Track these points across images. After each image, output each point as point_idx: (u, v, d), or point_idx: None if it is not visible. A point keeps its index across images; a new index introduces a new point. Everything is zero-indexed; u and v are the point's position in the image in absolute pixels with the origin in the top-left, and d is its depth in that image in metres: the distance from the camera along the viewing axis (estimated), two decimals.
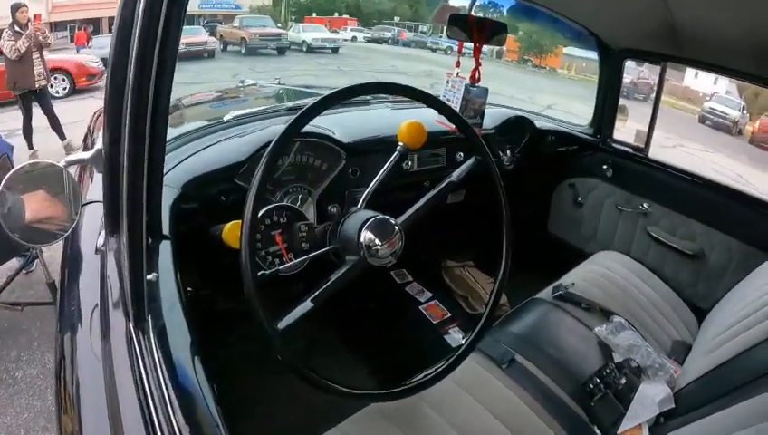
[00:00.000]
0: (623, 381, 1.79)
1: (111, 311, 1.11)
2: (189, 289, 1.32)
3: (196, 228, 1.52)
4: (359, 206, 1.40)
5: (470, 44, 2.28)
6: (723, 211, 2.62)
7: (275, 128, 1.88)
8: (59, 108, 7.06)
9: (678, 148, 11.35)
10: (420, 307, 2.79)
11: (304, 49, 19.02)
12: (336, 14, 25.54)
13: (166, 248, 1.22)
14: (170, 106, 1.03)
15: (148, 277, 1.03)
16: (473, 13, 2.39)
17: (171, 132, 1.76)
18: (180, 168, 1.67)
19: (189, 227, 1.51)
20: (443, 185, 1.48)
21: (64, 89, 11.54)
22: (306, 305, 1.17)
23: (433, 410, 1.55)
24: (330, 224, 1.37)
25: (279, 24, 20.70)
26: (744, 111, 16.39)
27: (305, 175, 1.95)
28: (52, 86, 9.39)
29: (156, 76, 0.91)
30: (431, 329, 2.69)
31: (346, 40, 22.51)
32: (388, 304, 2.82)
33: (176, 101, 2.47)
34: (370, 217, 1.29)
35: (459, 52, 2.34)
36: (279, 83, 3.02)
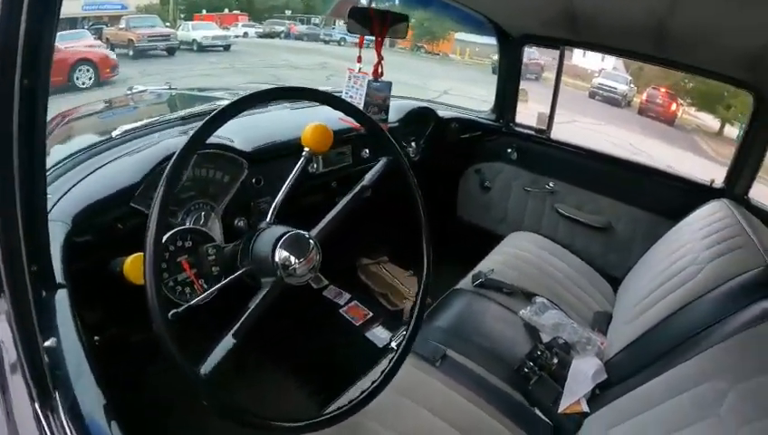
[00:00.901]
0: (555, 360, 1.81)
1: (13, 392, 0.94)
2: (96, 338, 1.20)
3: (95, 264, 1.33)
4: (268, 220, 1.30)
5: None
6: (626, 184, 2.77)
7: (169, 142, 1.71)
8: None
9: (573, 123, 11.79)
10: (341, 311, 2.71)
11: (195, 48, 18.24)
12: (226, 10, 24.74)
13: (63, 299, 1.06)
14: (50, 125, 0.90)
15: (47, 344, 0.89)
16: (373, 5, 2.34)
17: (54, 156, 1.63)
18: (69, 197, 1.46)
19: (86, 264, 1.32)
20: (356, 190, 1.41)
21: None
22: (228, 342, 1.08)
23: (375, 422, 1.49)
24: (240, 243, 1.27)
25: (168, 24, 19.84)
26: (632, 85, 17.45)
27: (206, 189, 1.73)
28: None
29: (26, 92, 0.78)
30: (356, 332, 2.62)
31: (238, 36, 21.77)
32: (308, 314, 2.67)
33: (57, 117, 2.24)
34: (283, 234, 1.20)
35: (360, 46, 2.25)
36: (170, 88, 2.78)
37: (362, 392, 1.26)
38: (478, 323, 2.00)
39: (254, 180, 1.83)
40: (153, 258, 0.98)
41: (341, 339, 2.59)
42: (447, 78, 16.78)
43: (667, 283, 1.92)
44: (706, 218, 2.18)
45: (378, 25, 2.18)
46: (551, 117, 2.96)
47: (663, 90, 16.36)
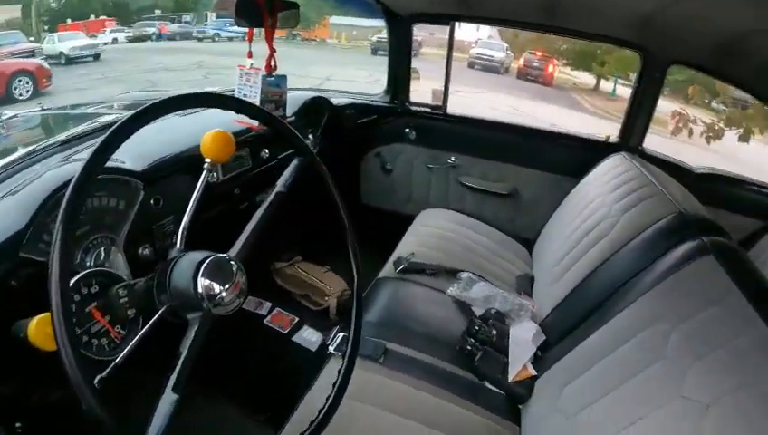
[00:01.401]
0: (494, 331, 1.82)
1: None
2: (18, 426, 1.08)
3: None
4: (178, 246, 1.13)
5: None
6: (527, 149, 2.87)
7: (54, 173, 1.44)
8: None
9: (456, 94, 12.00)
10: (265, 321, 2.57)
11: (63, 61, 17.04)
12: (93, 17, 23.29)
13: None
14: None
15: None
16: None
17: None
18: None
19: None
20: (271, 198, 1.30)
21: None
22: (169, 399, 0.94)
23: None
24: (153, 276, 1.10)
25: (31, 38, 18.47)
26: (508, 51, 18.06)
27: (101, 221, 1.47)
28: None
29: None
30: (286, 340, 2.50)
31: (107, 43, 20.43)
32: (232, 333, 2.50)
33: None
34: (202, 261, 1.05)
35: (249, 40, 2.07)
36: (43, 109, 2.41)
37: (320, 411, 1.19)
38: (410, 309, 1.99)
39: (152, 202, 1.61)
40: (63, 318, 0.82)
41: (273, 351, 2.47)
42: (327, 64, 16.69)
43: (584, 238, 2.00)
44: (610, 172, 2.28)
45: (267, 16, 2.06)
46: (445, 93, 3.02)
47: (539, 53, 17.07)
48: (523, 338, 1.79)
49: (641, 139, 2.75)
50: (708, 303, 1.28)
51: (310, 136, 2.58)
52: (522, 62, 17.44)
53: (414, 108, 3.09)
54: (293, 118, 2.45)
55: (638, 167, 2.18)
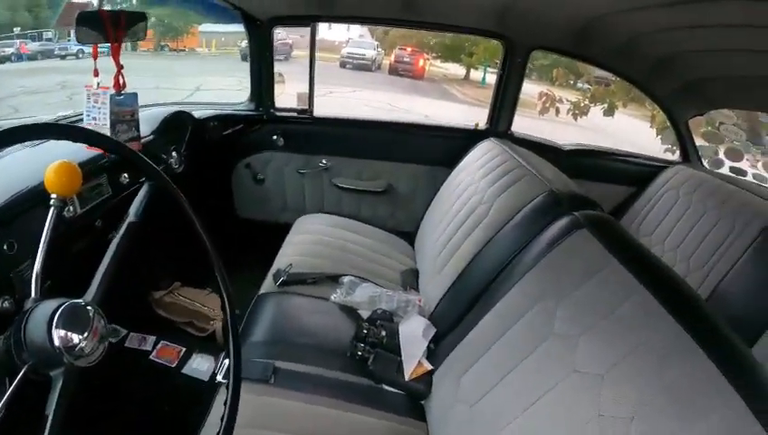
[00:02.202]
0: (383, 332, 1.80)
1: None
2: None
3: None
4: (33, 294, 1.00)
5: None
6: (398, 144, 2.89)
7: None
8: None
9: (329, 95, 12.05)
10: (151, 357, 2.39)
11: None
12: None
13: None
14: None
15: None
16: (104, 6, 2.01)
17: None
18: None
19: None
20: (123, 230, 1.17)
21: None
22: None
23: None
24: (9, 333, 0.96)
25: None
26: (379, 49, 18.31)
27: None
28: None
29: None
30: (176, 374, 2.34)
31: None
32: (116, 376, 2.29)
33: None
34: (55, 311, 0.93)
35: (95, 57, 1.87)
36: None
37: None
38: (296, 323, 1.92)
39: (5, 247, 1.42)
40: None
41: (163, 389, 2.29)
42: (197, 74, 16.20)
43: (462, 226, 2.02)
44: (481, 159, 2.33)
45: (112, 30, 1.88)
46: (310, 95, 2.95)
47: (409, 48, 17.46)
48: (414, 334, 1.78)
49: (509, 123, 2.87)
50: (588, 275, 1.32)
51: (173, 153, 2.37)
52: (393, 58, 17.77)
53: (280, 114, 3.00)
54: (153, 136, 2.27)
55: (508, 150, 2.24)
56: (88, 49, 1.91)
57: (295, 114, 2.97)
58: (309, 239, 2.42)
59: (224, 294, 1.27)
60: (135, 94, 1.98)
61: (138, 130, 2.02)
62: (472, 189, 2.16)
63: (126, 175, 1.93)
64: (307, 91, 2.95)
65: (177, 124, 2.48)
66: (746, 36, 2.11)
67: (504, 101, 2.83)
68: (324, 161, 2.96)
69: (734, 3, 1.82)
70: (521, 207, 1.76)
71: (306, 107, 2.95)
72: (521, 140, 2.83)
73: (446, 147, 2.81)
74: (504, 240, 1.75)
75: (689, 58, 2.71)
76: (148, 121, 2.26)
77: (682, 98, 3.10)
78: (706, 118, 3.57)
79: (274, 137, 2.96)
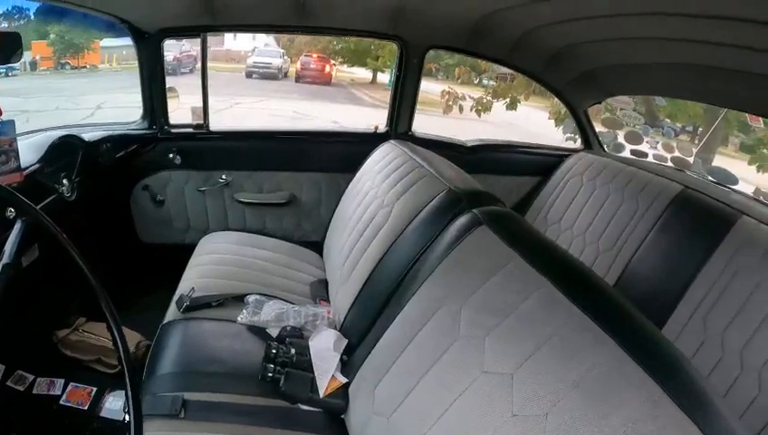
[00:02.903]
0: (293, 350, 1.73)
1: None
2: None
3: None
4: None
5: None
6: (298, 153, 2.85)
7: None
8: None
9: (236, 107, 11.89)
10: (61, 402, 2.20)
11: None
12: None
13: None
14: None
15: None
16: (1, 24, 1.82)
17: None
18: None
19: None
20: None
21: None
22: None
23: None
24: None
25: None
26: (285, 57, 18.15)
27: None
28: None
29: None
30: (89, 417, 2.17)
31: None
32: (25, 427, 2.13)
33: None
34: None
35: None
36: None
37: None
38: (203, 350, 1.81)
39: None
40: None
41: (82, 433, 2.14)
42: (99, 91, 15.57)
43: (365, 231, 1.99)
44: (381, 162, 2.32)
45: None
46: (204, 109, 2.83)
47: (315, 55, 17.45)
48: (325, 348, 1.73)
49: (409, 124, 2.88)
50: (490, 273, 1.30)
51: (65, 181, 2.21)
52: (299, 65, 17.67)
53: (175, 130, 2.85)
54: (39, 165, 2.11)
55: (407, 152, 2.22)
56: None
57: (191, 130, 2.84)
58: (213, 260, 2.32)
59: (114, 331, 1.18)
60: (12, 122, 1.84)
61: (18, 160, 1.87)
62: (373, 194, 2.13)
63: (11, 210, 1.81)
64: (201, 105, 2.82)
65: (66, 149, 2.33)
66: (636, 24, 2.19)
67: (403, 103, 2.85)
68: (224, 177, 2.85)
69: None
70: (421, 208, 1.75)
71: (201, 121, 2.82)
72: (423, 139, 2.84)
73: (347, 152, 2.78)
74: (406, 243, 1.73)
75: (583, 49, 2.79)
76: (33, 149, 2.12)
77: (579, 88, 3.20)
78: (605, 105, 3.71)
79: (171, 155, 2.81)
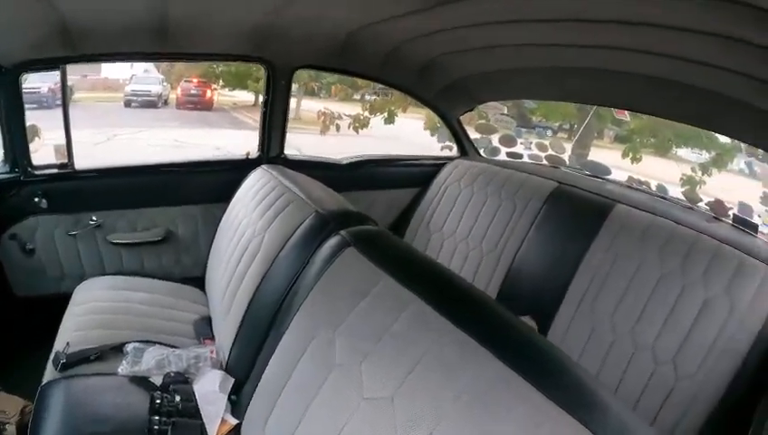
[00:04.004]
0: (177, 398, 1.64)
1: None
2: None
3: None
4: None
5: None
6: (171, 186, 2.74)
7: None
8: None
9: (114, 139, 11.33)
10: None
11: None
12: None
13: None
14: None
15: None
16: None
17: None
18: None
19: None
20: None
21: None
22: None
23: None
24: None
25: None
26: (165, 83, 17.46)
27: None
28: None
29: None
30: None
31: None
32: None
33: None
34: None
35: None
36: None
37: None
38: (85, 409, 1.67)
39: None
40: None
41: None
42: None
43: (240, 263, 1.94)
44: (252, 189, 2.28)
45: None
46: (68, 146, 2.62)
47: (195, 80, 16.88)
48: (210, 390, 1.66)
49: (281, 147, 2.84)
50: (360, 296, 1.29)
51: None
52: (179, 91, 17.13)
53: (39, 172, 2.60)
54: None
55: (277, 177, 2.20)
56: None
57: (56, 170, 2.63)
58: (89, 309, 2.16)
59: None
60: None
61: None
62: (246, 222, 2.08)
63: None
64: (65, 142, 2.64)
65: None
66: (497, 33, 2.28)
67: (273, 126, 2.80)
68: (95, 218, 2.64)
69: (484, 2, 1.93)
70: (290, 234, 1.73)
71: (66, 160, 2.61)
72: (296, 161, 2.81)
73: (220, 181, 2.68)
74: (279, 272, 1.70)
75: (450, 60, 2.88)
76: None
77: (449, 97, 3.29)
78: (478, 112, 3.83)
79: (36, 199, 2.56)
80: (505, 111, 4.19)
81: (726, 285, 2.06)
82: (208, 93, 17.03)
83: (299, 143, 2.99)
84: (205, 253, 2.55)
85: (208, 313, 2.21)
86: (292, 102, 3.07)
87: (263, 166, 2.42)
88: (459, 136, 3.48)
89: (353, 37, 2.57)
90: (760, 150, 3.16)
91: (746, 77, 1.89)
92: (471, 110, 3.57)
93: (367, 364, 1.16)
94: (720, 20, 1.57)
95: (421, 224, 3.15)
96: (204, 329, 2.09)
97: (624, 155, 7.27)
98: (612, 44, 2.16)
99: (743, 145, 5.22)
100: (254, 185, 2.29)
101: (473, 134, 3.64)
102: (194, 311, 2.26)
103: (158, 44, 2.39)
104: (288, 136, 2.89)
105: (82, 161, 2.65)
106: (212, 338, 2.01)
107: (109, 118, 12.81)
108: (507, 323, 1.13)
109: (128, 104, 16.47)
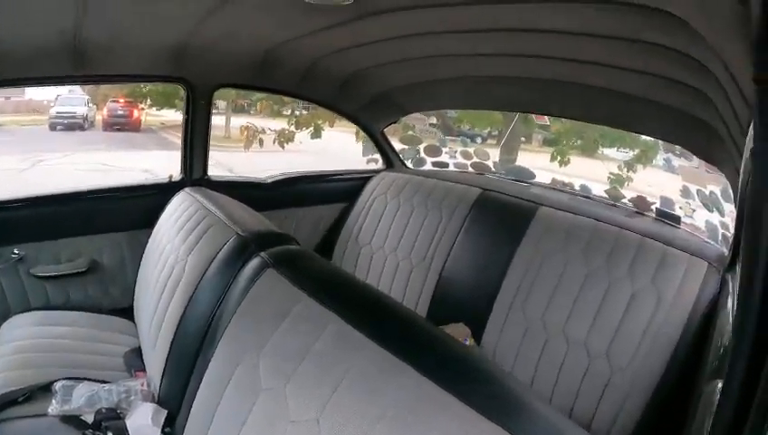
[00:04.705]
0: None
1: None
2: None
3: None
4: None
5: None
6: (94, 214, 2.64)
7: None
8: None
9: (39, 165, 10.86)
10: None
11: None
12: None
13: None
14: None
15: None
16: None
17: None
18: None
19: None
20: None
21: None
22: None
23: None
24: None
25: None
26: (90, 104, 16.82)
27: None
28: None
29: None
30: None
31: None
32: None
33: None
34: None
35: None
36: None
37: None
38: None
39: None
40: None
41: None
42: None
43: (165, 290, 1.92)
44: (174, 214, 2.25)
45: None
46: None
47: (122, 100, 16.36)
48: (143, 424, 1.63)
49: (204, 169, 2.78)
50: (281, 317, 1.30)
51: None
52: (105, 112, 16.56)
53: None
54: None
55: (199, 200, 2.18)
56: None
57: None
58: (14, 348, 2.08)
59: None
60: None
61: None
62: (169, 248, 2.05)
63: None
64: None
65: None
66: (416, 45, 2.33)
67: (195, 147, 2.74)
68: (17, 251, 2.52)
69: (400, 16, 1.96)
70: (212, 258, 1.72)
71: None
72: (220, 182, 2.78)
73: (145, 206, 2.62)
74: (203, 297, 1.69)
75: (370, 73, 2.91)
76: None
77: (372, 110, 3.33)
78: (403, 123, 3.88)
79: None
80: (434, 121, 4.27)
81: (652, 276, 2.16)
82: (135, 113, 16.49)
83: (231, 163, 2.95)
84: (132, 282, 2.48)
85: (138, 344, 2.16)
86: (222, 121, 3.03)
87: (185, 189, 2.40)
88: (384, 148, 3.53)
89: (271, 54, 2.57)
90: (677, 146, 3.31)
91: (647, 75, 1.98)
92: (395, 122, 3.63)
93: (291, 386, 1.16)
94: (618, 23, 1.65)
95: (350, 239, 3.18)
96: (135, 361, 2.04)
97: (552, 158, 7.44)
98: (527, 53, 2.24)
99: (660, 142, 5.49)
100: (177, 209, 2.26)
101: (398, 145, 3.70)
102: (124, 343, 2.20)
103: (75, 67, 2.31)
104: (218, 155, 2.85)
105: (9, 187, 2.55)
106: (143, 370, 1.96)
107: (34, 143, 12.36)
108: (429, 337, 1.15)
109: (53, 127, 15.82)
